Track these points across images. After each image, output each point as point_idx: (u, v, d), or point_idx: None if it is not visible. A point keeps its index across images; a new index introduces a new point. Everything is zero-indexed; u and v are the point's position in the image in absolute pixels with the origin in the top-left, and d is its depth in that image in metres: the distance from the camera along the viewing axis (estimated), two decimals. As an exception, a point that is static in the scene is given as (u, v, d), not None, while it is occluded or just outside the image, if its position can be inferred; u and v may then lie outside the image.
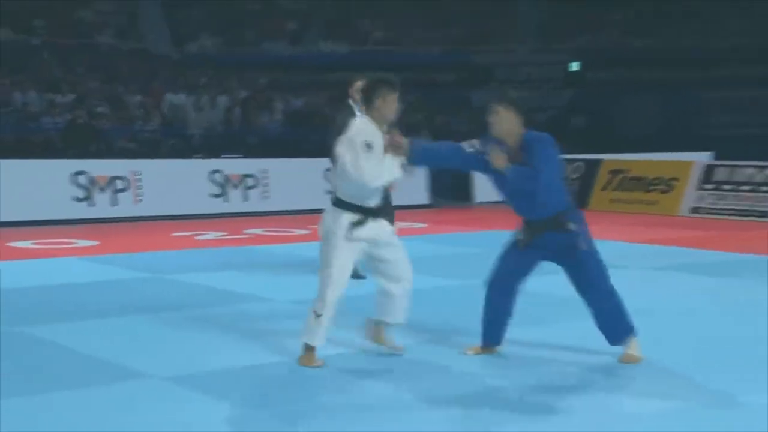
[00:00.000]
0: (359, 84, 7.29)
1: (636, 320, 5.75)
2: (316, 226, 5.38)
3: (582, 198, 15.76)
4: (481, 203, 16.38)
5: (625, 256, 9.49)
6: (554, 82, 25.26)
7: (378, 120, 5.08)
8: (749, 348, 5.54)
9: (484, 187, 16.85)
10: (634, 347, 5.17)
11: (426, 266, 7.93)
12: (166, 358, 5.38)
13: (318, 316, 4.97)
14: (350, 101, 7.72)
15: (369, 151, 4.91)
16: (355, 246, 5.03)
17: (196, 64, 21.26)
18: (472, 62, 25.02)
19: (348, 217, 5.00)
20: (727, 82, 22.29)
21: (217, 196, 14.45)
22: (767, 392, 4.60)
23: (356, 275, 7.51)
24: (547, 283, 6.10)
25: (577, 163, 16.32)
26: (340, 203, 5.06)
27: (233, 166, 14.91)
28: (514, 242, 5.19)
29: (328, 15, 25.24)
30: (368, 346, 5.41)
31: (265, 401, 4.62)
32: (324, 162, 15.05)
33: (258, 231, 12.14)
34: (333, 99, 21.73)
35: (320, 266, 5.13)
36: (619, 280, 8.11)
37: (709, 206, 14.15)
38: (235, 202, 14.53)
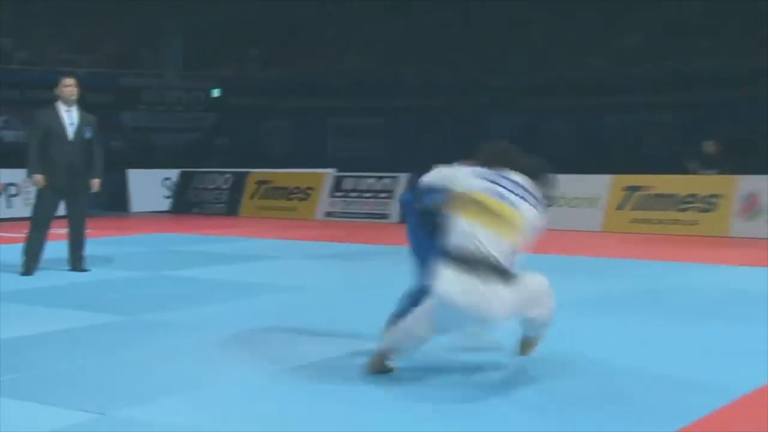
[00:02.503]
0: (69, 81, 7.77)
1: (293, 295, 6.25)
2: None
3: (233, 206, 16.23)
4: (137, 212, 16.21)
5: (278, 249, 10.06)
6: (198, 106, 25.47)
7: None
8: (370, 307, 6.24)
9: (140, 195, 16.71)
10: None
11: (107, 263, 8.76)
12: None
13: None
14: (59, 102, 7.78)
15: None
16: None
17: None
18: (120, 85, 24.41)
19: None
20: (347, 111, 24.00)
21: None
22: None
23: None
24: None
25: (226, 176, 16.76)
26: None
27: None
28: None
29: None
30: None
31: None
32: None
33: None
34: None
35: None
36: (276, 267, 8.64)
37: (340, 211, 15.18)
38: None
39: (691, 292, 7.11)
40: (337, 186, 15.47)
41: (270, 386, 4.20)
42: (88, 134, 7.87)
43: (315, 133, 24.17)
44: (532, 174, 4.25)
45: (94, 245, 9.31)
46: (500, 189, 4.05)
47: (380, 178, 15.16)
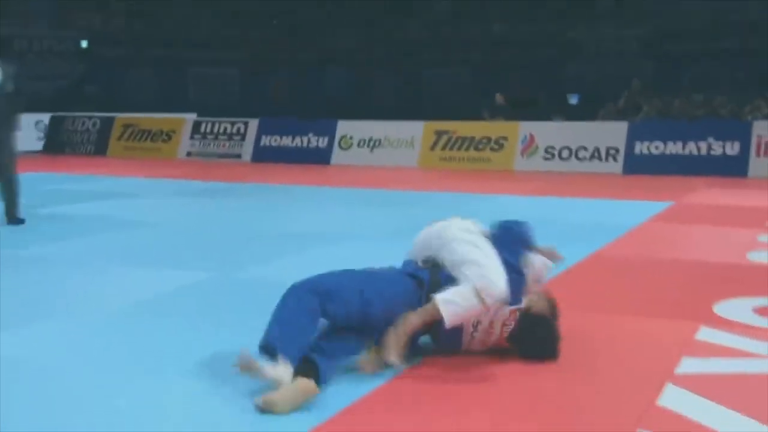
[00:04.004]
0: None
1: (151, 230, 5.95)
2: None
3: (102, 147, 15.38)
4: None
5: (143, 187, 9.65)
6: (68, 55, 23.70)
7: None
8: (220, 240, 6.18)
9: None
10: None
11: None
12: None
13: None
14: None
15: None
16: None
17: None
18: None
19: None
20: (206, 62, 23.08)
21: None
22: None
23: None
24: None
25: (94, 120, 15.81)
26: None
27: None
28: None
29: None
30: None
31: None
32: None
33: None
34: None
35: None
36: (140, 204, 8.26)
37: (199, 150, 14.73)
38: None
39: (480, 218, 7.44)
40: (197, 129, 14.96)
41: (123, 317, 3.97)
42: (11, 87, 6.52)
43: (176, 81, 23.17)
44: None
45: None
46: None
47: (234, 122, 14.78)
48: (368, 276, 3.14)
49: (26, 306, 4.14)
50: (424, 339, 3.23)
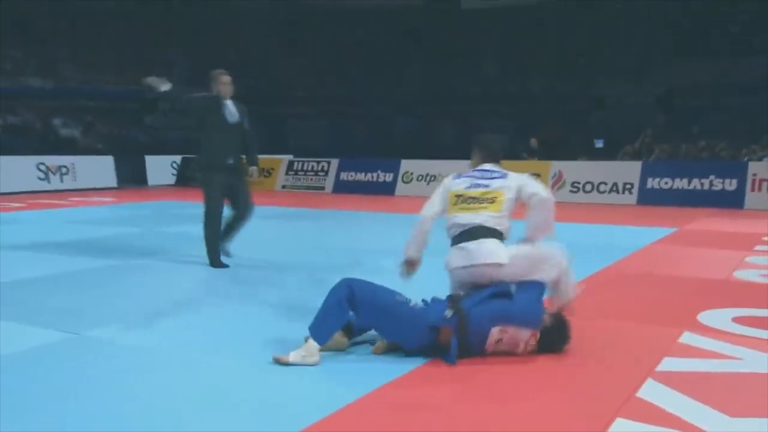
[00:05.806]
0: (227, 78, 5.51)
1: (255, 246, 5.98)
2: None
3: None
4: (155, 185, 15.77)
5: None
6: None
7: None
8: (300, 253, 6.25)
9: (155, 174, 16.22)
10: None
11: (121, 221, 8.20)
12: None
13: None
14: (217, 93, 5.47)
15: None
16: None
17: None
18: (142, 96, 23.36)
19: None
20: (301, 116, 23.64)
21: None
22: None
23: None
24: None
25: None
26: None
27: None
28: None
29: None
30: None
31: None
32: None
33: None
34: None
35: None
36: (243, 228, 8.30)
37: (291, 184, 15.07)
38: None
39: (513, 239, 7.26)
40: (290, 167, 15.33)
41: (229, 316, 3.96)
42: (246, 123, 5.61)
43: (275, 128, 23.80)
44: (494, 153, 3.59)
45: (120, 209, 8.92)
46: (474, 180, 3.50)
47: (319, 161, 15.08)
48: (391, 310, 3.10)
49: (137, 305, 4.23)
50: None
